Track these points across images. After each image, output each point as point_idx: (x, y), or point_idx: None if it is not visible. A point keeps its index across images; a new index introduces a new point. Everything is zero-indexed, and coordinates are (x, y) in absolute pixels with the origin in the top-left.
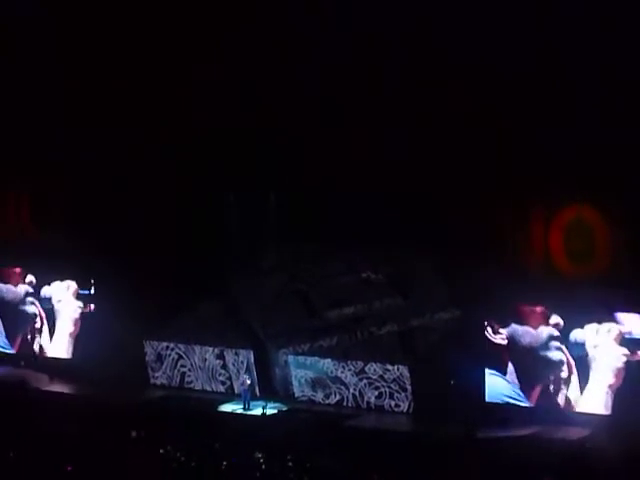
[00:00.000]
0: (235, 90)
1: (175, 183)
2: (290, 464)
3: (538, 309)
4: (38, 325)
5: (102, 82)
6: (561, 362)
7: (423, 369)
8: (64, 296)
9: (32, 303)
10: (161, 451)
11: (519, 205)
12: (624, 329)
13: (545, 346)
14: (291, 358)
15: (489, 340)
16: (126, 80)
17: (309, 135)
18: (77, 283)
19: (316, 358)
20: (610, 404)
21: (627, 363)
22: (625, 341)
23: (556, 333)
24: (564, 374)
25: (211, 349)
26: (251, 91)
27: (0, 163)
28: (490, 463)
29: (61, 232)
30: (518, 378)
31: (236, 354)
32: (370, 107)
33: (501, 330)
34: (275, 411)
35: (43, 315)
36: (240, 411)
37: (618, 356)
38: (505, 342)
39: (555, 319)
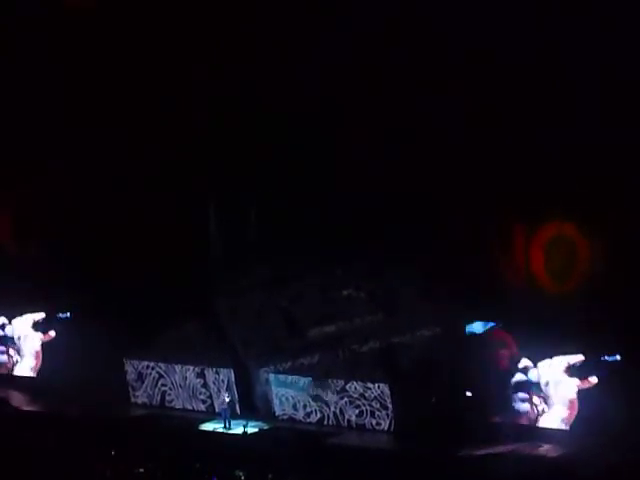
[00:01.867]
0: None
1: (155, 200)
2: None
3: (506, 352)
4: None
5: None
6: (527, 404)
7: (404, 387)
8: (24, 331)
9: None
10: (141, 470)
11: (503, 224)
12: (572, 360)
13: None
14: (272, 376)
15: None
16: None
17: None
18: (55, 306)
19: (297, 376)
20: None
21: (579, 392)
22: (574, 371)
23: (524, 378)
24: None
25: (192, 368)
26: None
27: None
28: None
29: (36, 251)
30: None
31: (217, 373)
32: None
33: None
34: (256, 430)
35: (14, 358)
36: (221, 430)
37: (571, 389)
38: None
39: (525, 362)
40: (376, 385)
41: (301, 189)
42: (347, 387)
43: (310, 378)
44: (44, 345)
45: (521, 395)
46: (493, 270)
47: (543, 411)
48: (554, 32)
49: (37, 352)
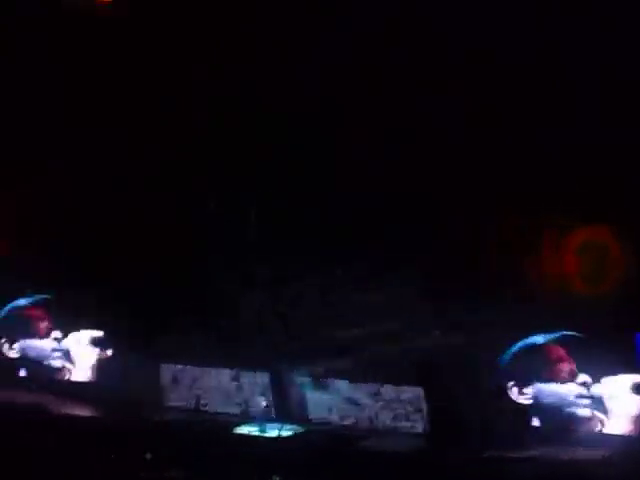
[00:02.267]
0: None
1: (175, 202)
2: None
3: (564, 365)
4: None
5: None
6: (588, 418)
7: (438, 390)
8: (80, 347)
9: (59, 357)
10: (174, 474)
11: (529, 228)
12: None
13: (572, 403)
14: (306, 380)
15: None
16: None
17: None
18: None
19: (332, 379)
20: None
21: None
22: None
23: (584, 391)
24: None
25: (226, 371)
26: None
27: None
28: None
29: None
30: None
31: (252, 376)
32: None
33: (525, 390)
34: (291, 433)
35: (69, 367)
36: (256, 433)
37: (636, 406)
38: (529, 402)
39: (583, 377)
40: (411, 388)
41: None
42: (381, 390)
43: (346, 381)
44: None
45: (582, 401)
46: (521, 276)
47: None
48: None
49: (93, 366)
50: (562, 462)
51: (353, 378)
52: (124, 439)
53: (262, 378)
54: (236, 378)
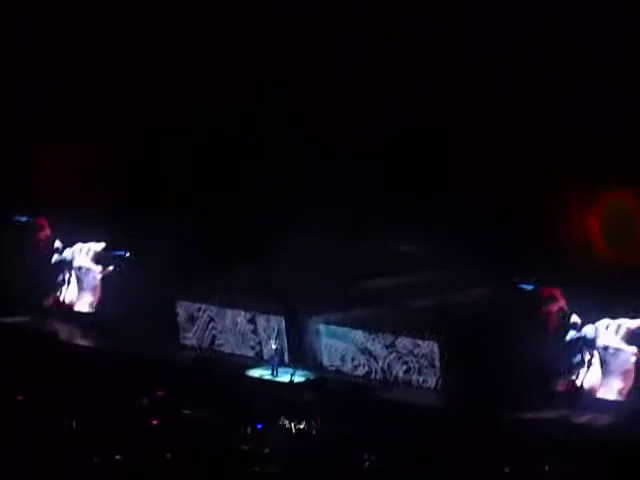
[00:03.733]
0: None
1: (211, 146)
2: (315, 431)
3: (554, 308)
4: (68, 287)
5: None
6: (584, 362)
7: (453, 345)
8: (84, 261)
9: (62, 270)
10: (187, 412)
11: (560, 185)
12: (632, 325)
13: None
14: (322, 327)
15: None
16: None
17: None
18: (111, 243)
19: (347, 329)
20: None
21: (637, 362)
22: (633, 338)
23: (577, 334)
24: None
25: (243, 313)
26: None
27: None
28: (514, 443)
29: (95, 190)
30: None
31: (267, 320)
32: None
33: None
34: (303, 379)
35: (71, 278)
36: (268, 377)
37: (629, 358)
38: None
39: (574, 318)
40: (425, 343)
41: (359, 149)
42: (396, 342)
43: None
44: (103, 280)
45: (575, 353)
46: (546, 230)
47: (597, 375)
48: None
49: (96, 286)
50: (575, 424)
51: (369, 328)
52: (138, 375)
53: (278, 322)
54: (252, 321)
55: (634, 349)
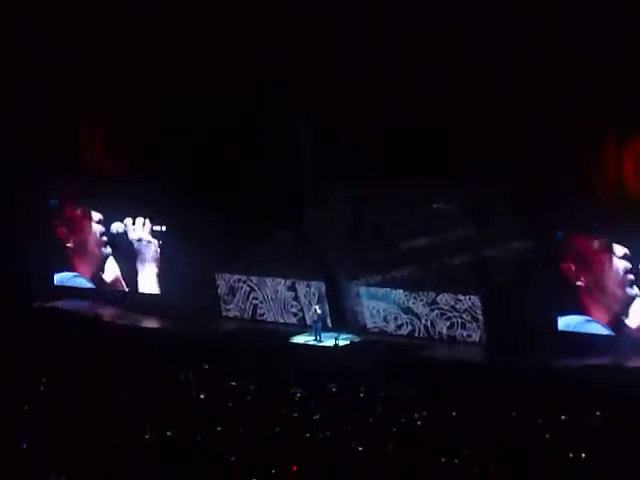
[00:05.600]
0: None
1: (255, 116)
2: (362, 395)
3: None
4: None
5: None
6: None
7: (495, 299)
8: (142, 234)
9: (105, 243)
10: (233, 383)
11: (595, 135)
12: None
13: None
14: (363, 289)
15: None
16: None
17: (373, 74)
18: (150, 220)
19: (388, 289)
20: None
21: None
22: None
23: (629, 265)
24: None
25: (283, 281)
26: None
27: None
28: (565, 393)
29: (128, 167)
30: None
31: (308, 286)
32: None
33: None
34: (347, 342)
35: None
36: (312, 342)
37: None
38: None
39: (622, 250)
40: (467, 297)
41: (390, 110)
42: (438, 299)
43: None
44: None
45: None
46: (585, 181)
47: None
48: None
49: (157, 258)
50: (629, 371)
51: (410, 287)
52: (181, 349)
53: (318, 288)
54: (292, 288)
55: None
